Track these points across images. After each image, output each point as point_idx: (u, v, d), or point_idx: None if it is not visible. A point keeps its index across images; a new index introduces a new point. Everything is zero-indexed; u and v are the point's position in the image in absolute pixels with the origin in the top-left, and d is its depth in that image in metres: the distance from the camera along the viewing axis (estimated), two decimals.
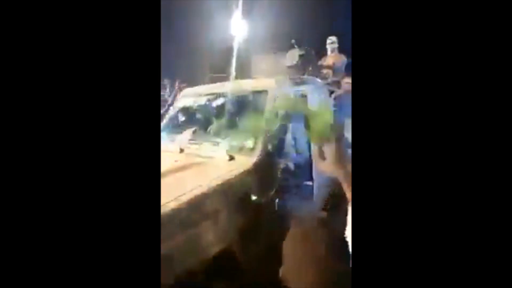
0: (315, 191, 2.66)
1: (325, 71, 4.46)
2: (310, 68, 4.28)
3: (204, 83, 3.46)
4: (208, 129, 3.13)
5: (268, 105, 2.45)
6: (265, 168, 2.29)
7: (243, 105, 3.16)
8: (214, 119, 3.09)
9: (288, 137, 2.87)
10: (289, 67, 4.27)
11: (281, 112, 2.57)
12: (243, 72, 3.82)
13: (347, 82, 3.92)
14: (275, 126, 2.79)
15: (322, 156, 0.99)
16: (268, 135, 2.48)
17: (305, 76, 3.36)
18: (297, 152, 2.78)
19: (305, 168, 2.75)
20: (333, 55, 4.49)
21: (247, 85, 2.91)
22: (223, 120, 3.12)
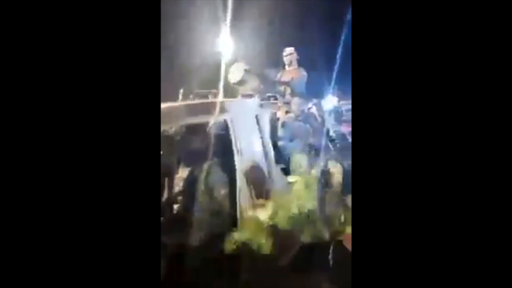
0: None
1: (282, 88, 3.63)
2: (261, 86, 3.45)
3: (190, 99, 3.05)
4: None
5: None
6: None
7: None
8: None
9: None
10: (234, 84, 3.41)
11: None
12: (231, 88, 3.38)
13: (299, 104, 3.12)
14: None
15: None
16: None
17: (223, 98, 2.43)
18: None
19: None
20: (291, 69, 3.66)
21: None
22: None
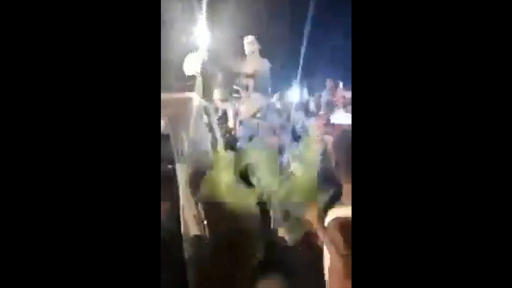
0: None
1: (245, 81, 3.34)
2: (220, 79, 3.15)
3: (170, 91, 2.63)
4: None
5: None
6: None
7: None
8: None
9: None
10: (190, 77, 3.09)
11: None
12: (209, 80, 3.19)
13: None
14: None
15: None
16: None
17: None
18: None
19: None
20: (253, 60, 3.36)
21: None
22: None
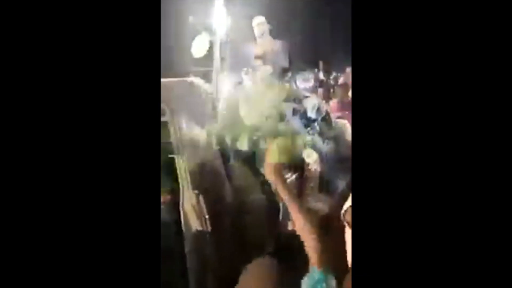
0: None
1: (256, 62, 3.23)
2: (231, 62, 3.04)
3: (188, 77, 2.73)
4: None
5: None
6: None
7: None
8: None
9: None
10: (201, 61, 2.99)
11: None
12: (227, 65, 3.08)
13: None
14: None
15: None
16: None
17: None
18: None
19: None
20: (264, 41, 3.24)
21: None
22: None
